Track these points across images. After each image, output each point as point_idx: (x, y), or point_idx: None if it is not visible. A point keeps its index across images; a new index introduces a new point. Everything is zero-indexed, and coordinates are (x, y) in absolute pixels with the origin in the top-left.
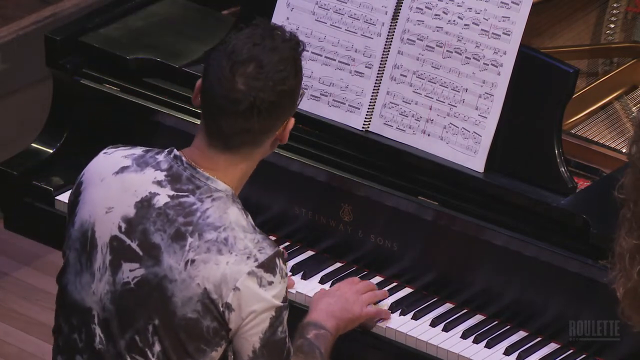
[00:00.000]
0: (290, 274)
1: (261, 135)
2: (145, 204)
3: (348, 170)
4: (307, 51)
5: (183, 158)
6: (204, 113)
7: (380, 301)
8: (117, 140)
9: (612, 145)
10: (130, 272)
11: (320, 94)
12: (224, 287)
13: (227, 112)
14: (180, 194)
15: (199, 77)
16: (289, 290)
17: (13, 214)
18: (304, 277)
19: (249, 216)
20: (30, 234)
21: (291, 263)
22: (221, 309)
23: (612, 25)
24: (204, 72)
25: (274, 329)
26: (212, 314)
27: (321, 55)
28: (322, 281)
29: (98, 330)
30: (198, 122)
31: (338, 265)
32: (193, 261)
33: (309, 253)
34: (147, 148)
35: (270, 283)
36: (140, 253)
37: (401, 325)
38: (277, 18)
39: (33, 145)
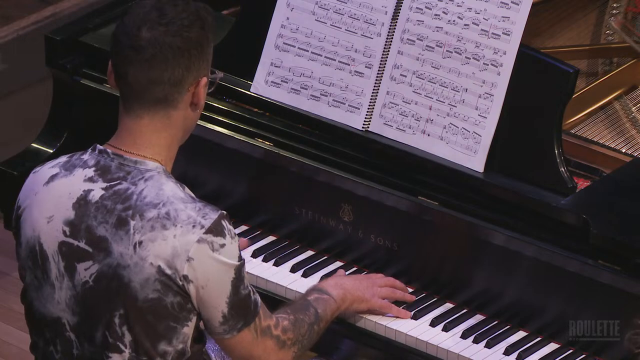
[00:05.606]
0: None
1: (172, 89)
2: (82, 203)
3: (348, 170)
4: (307, 51)
5: (108, 150)
6: (117, 80)
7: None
8: None
9: (612, 145)
10: (86, 270)
11: (320, 94)
12: (177, 261)
13: (133, 61)
14: (112, 183)
15: None
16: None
17: None
18: (304, 276)
19: (186, 188)
20: None
21: (291, 263)
22: (180, 283)
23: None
24: (112, 38)
25: (236, 289)
26: (172, 289)
27: (321, 55)
28: None
29: (73, 337)
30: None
31: (338, 265)
32: (141, 242)
33: (309, 253)
34: (72, 153)
35: (222, 246)
36: (90, 250)
37: (401, 325)
38: (277, 18)
39: (33, 145)
